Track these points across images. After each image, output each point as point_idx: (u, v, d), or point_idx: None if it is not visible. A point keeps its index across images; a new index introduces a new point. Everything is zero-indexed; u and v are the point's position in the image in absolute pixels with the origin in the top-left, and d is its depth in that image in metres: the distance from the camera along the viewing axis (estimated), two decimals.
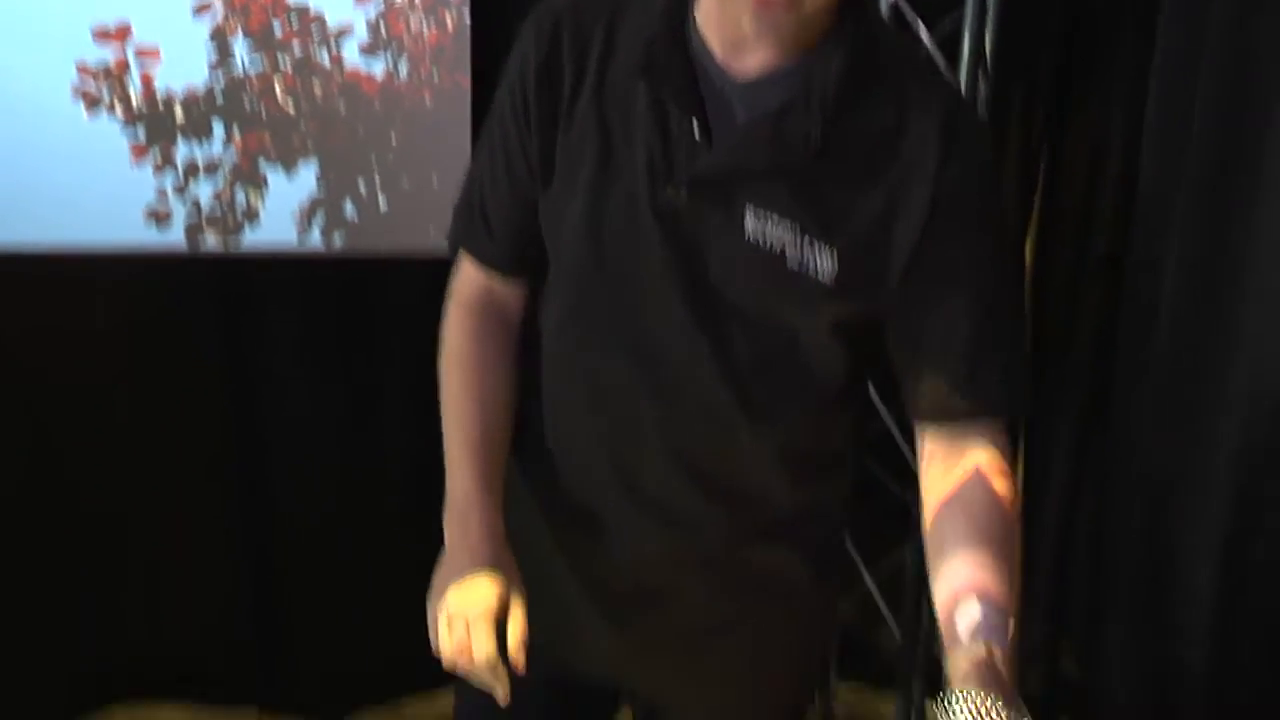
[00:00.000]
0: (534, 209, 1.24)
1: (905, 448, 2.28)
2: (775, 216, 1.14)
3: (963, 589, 1.07)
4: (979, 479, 1.14)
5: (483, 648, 1.14)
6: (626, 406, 1.23)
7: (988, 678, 0.99)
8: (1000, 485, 1.14)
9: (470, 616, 1.15)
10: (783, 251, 1.14)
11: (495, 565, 1.20)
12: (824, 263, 1.14)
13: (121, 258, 2.12)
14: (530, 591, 1.23)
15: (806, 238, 1.14)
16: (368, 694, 2.44)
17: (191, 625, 2.46)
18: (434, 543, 1.26)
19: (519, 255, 1.29)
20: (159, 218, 2.11)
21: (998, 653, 1.02)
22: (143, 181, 2.09)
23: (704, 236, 1.16)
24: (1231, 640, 1.61)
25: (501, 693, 1.15)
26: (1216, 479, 1.63)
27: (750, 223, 1.14)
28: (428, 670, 1.28)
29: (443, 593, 1.19)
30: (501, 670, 1.15)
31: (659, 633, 1.30)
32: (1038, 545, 2.38)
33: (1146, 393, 1.83)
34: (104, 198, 2.08)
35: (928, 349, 1.16)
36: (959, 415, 1.17)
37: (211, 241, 2.13)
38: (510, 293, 1.32)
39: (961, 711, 0.97)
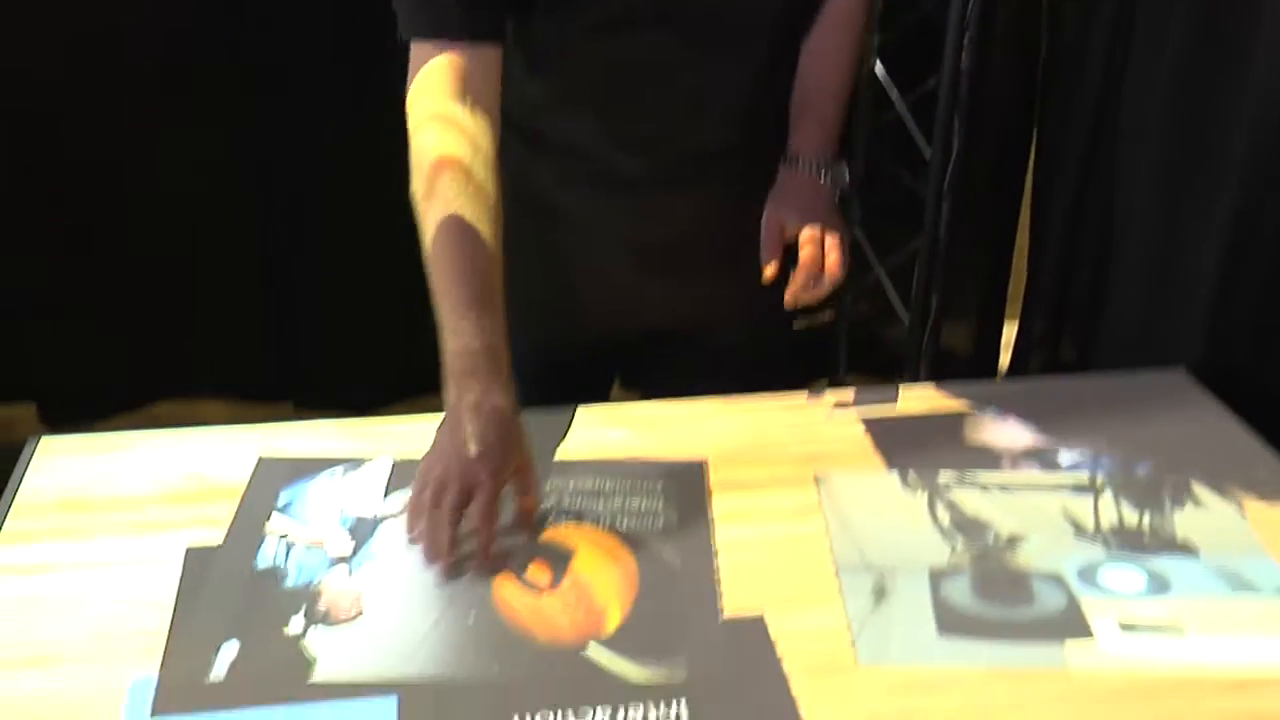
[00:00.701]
0: None
1: (918, 136, 2.30)
2: None
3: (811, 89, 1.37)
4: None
5: (483, 514, 1.07)
6: (676, 76, 1.28)
7: (821, 148, 1.35)
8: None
9: (481, 477, 1.07)
10: None
11: (513, 430, 1.12)
12: None
13: None
14: (584, 270, 1.39)
15: None
16: (399, 390, 2.52)
17: (229, 328, 2.55)
18: None
19: (499, 19, 1.25)
20: None
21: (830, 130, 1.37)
22: None
23: None
24: (1228, 320, 1.67)
25: (445, 565, 1.08)
26: (1229, 161, 1.65)
27: None
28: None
29: (453, 448, 1.09)
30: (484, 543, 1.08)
31: (697, 267, 1.39)
32: (1044, 241, 2.42)
33: (1162, 77, 1.83)
34: None
35: None
36: None
37: None
38: (487, 64, 1.24)
39: (802, 166, 1.34)
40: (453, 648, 1.00)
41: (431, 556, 1.09)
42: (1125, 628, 1.03)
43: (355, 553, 1.11)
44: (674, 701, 0.95)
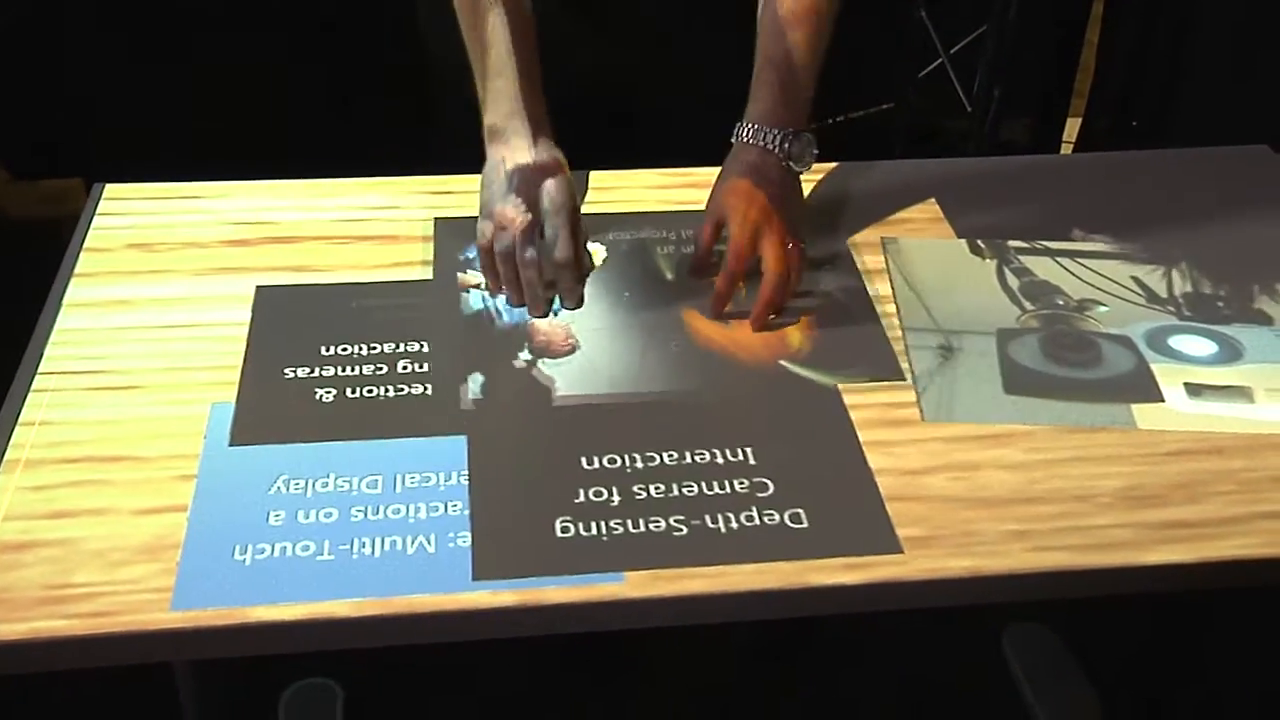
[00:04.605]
0: None
1: None
2: None
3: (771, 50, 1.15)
4: None
5: (568, 247, 1.08)
6: None
7: (780, 114, 1.14)
8: None
9: (559, 212, 1.09)
10: None
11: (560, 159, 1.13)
12: None
13: None
14: None
15: None
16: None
17: (262, 117, 2.52)
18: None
19: None
20: None
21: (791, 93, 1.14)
22: None
23: None
24: None
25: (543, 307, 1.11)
26: None
27: None
28: None
29: (512, 188, 1.10)
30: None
31: (632, 25, 1.33)
32: (1116, 34, 2.35)
33: None
34: None
35: None
36: None
37: None
38: None
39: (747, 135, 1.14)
40: (666, 370, 1.08)
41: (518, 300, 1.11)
42: (1194, 392, 1.03)
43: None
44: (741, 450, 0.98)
